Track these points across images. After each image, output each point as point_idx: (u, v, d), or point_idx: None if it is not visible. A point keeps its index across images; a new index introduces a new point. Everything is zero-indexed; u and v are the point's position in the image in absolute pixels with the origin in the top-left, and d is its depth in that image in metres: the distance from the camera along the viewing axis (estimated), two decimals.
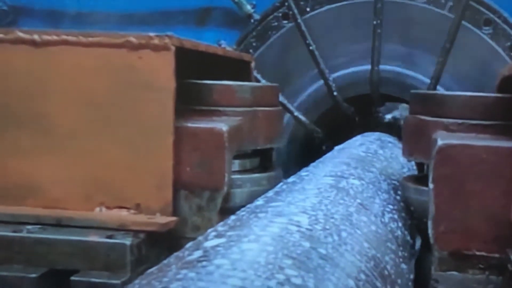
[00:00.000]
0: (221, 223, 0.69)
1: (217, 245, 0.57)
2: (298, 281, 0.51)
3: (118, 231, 0.90)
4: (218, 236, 0.61)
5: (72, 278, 0.85)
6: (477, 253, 0.87)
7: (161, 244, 0.93)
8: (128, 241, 0.87)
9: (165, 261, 0.57)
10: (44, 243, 0.88)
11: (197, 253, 0.55)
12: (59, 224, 0.92)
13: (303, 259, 0.56)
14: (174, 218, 0.95)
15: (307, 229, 0.65)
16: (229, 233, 0.62)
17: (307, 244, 0.60)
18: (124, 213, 0.95)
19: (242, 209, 0.76)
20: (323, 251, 0.60)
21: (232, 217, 0.72)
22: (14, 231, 0.89)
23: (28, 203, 0.96)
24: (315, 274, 0.54)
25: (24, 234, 0.89)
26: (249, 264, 0.52)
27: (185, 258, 0.55)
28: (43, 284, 0.86)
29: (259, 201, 0.79)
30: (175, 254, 0.58)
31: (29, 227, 0.91)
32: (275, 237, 0.60)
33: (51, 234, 0.89)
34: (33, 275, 0.85)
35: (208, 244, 0.58)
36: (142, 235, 0.90)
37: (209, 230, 0.65)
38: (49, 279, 0.86)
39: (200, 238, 0.63)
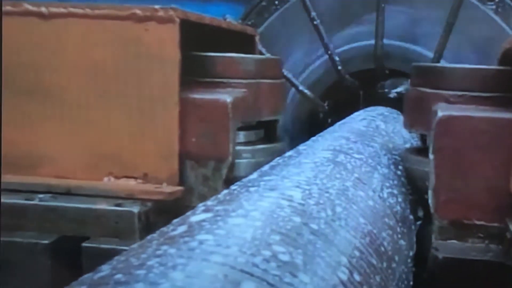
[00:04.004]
0: (213, 197, 0.66)
1: (203, 220, 0.54)
2: (285, 257, 0.47)
3: (126, 200, 0.92)
4: (206, 210, 0.58)
5: (83, 244, 0.87)
6: (477, 222, 0.88)
7: (168, 212, 0.94)
8: (136, 209, 0.89)
9: (148, 237, 0.54)
10: (56, 211, 0.90)
11: (181, 228, 0.52)
12: (69, 193, 0.94)
13: (292, 235, 0.52)
14: (180, 188, 0.97)
15: (299, 203, 0.61)
16: (217, 208, 0.58)
17: (298, 219, 0.56)
18: (131, 182, 0.96)
19: (236, 183, 0.73)
20: (315, 226, 0.56)
21: (224, 191, 0.69)
22: (27, 199, 0.91)
23: (38, 173, 0.98)
24: (305, 250, 0.51)
25: (36, 202, 0.91)
26: (234, 240, 0.48)
27: (168, 233, 0.52)
28: (55, 250, 0.87)
29: (253, 175, 0.76)
30: (161, 229, 0.55)
31: (40, 195, 0.92)
32: (264, 212, 0.57)
33: (62, 202, 0.91)
34: (45, 242, 0.87)
35: (194, 219, 0.55)
36: (149, 203, 0.92)
37: (199, 205, 0.62)
38: (61, 245, 0.88)
39: (189, 212, 0.59)
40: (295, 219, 0.57)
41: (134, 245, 0.51)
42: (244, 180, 0.74)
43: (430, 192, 0.89)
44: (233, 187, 0.70)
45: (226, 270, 0.43)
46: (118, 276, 0.41)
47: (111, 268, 0.44)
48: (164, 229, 0.54)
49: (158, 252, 0.46)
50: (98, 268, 0.45)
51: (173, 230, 0.52)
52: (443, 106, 0.92)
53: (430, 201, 0.89)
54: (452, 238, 0.89)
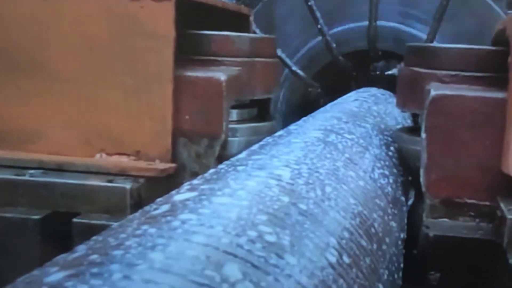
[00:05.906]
0: (199, 176, 0.62)
1: (187, 199, 0.49)
2: (272, 238, 0.44)
3: (118, 176, 0.88)
4: (191, 189, 0.53)
5: (74, 220, 0.83)
6: (468, 201, 0.86)
7: (161, 190, 0.91)
8: (128, 185, 0.85)
9: (130, 216, 0.49)
10: (47, 187, 0.86)
11: (164, 207, 0.48)
12: (60, 169, 0.89)
13: (280, 215, 0.48)
14: (172, 165, 0.93)
15: (288, 183, 0.57)
16: (202, 187, 0.54)
17: (286, 199, 0.52)
18: (124, 159, 0.92)
19: (224, 162, 0.69)
20: (303, 206, 0.53)
21: (211, 170, 0.65)
22: (17, 175, 0.87)
23: (30, 149, 0.94)
24: (292, 231, 0.47)
25: (27, 177, 0.87)
26: (218, 220, 0.44)
27: (150, 212, 0.47)
28: (46, 225, 0.84)
29: (242, 154, 0.72)
30: (143, 208, 0.51)
31: (31, 171, 0.88)
32: (251, 191, 0.52)
33: (53, 178, 0.87)
34: (36, 217, 0.83)
35: (178, 197, 0.50)
36: (141, 180, 0.88)
37: (185, 183, 0.58)
38: (52, 221, 0.84)
39: (173, 191, 0.55)
40: (283, 198, 0.52)
41: (114, 225, 0.47)
42: (233, 159, 0.70)
43: (421, 171, 0.86)
44: (220, 166, 0.66)
45: (208, 251, 0.39)
46: (94, 256, 0.37)
47: (87, 248, 0.40)
48: (147, 208, 0.50)
49: (138, 232, 0.41)
50: (74, 248, 0.41)
51: (156, 209, 0.48)
52: (436, 85, 0.89)
53: (421, 179, 0.86)
54: (443, 217, 0.86)
